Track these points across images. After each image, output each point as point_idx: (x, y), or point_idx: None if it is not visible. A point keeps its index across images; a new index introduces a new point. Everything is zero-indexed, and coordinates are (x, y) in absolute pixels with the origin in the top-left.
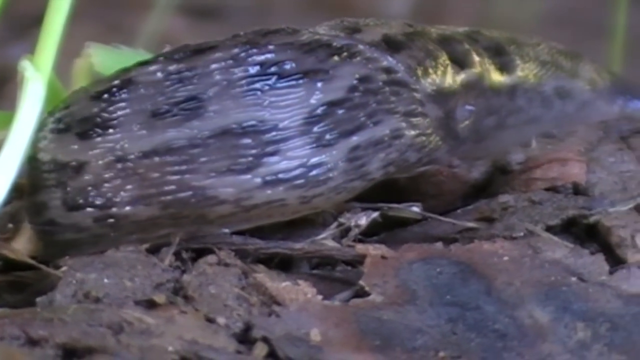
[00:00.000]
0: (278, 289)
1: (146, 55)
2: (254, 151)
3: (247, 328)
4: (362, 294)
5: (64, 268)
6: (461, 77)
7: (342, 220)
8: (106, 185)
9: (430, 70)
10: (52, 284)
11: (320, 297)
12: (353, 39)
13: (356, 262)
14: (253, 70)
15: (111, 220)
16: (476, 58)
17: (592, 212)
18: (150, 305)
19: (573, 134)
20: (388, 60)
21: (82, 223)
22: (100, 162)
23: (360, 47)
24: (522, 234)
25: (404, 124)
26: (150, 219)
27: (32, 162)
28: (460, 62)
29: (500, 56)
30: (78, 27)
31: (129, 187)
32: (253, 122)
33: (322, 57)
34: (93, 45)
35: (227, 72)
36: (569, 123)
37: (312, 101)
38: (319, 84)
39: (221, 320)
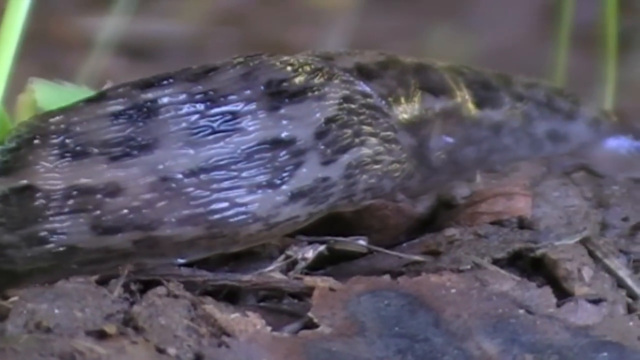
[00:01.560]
0: (227, 320)
1: (88, 92)
2: (285, 165)
3: (198, 359)
4: (310, 325)
5: (14, 298)
6: (435, 105)
7: (289, 252)
8: (147, 206)
9: (402, 99)
10: (2, 315)
11: (269, 328)
12: (328, 64)
13: (303, 294)
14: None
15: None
16: (454, 88)
17: (538, 246)
18: (101, 335)
19: (517, 169)
20: (362, 86)
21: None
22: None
23: (336, 70)
24: (468, 266)
25: (382, 148)
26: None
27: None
28: (434, 91)
29: (486, 90)
30: (19, 66)
31: (176, 206)
32: (281, 137)
33: (309, 77)
34: (36, 81)
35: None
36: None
37: (317, 115)
38: (316, 102)
39: (172, 350)
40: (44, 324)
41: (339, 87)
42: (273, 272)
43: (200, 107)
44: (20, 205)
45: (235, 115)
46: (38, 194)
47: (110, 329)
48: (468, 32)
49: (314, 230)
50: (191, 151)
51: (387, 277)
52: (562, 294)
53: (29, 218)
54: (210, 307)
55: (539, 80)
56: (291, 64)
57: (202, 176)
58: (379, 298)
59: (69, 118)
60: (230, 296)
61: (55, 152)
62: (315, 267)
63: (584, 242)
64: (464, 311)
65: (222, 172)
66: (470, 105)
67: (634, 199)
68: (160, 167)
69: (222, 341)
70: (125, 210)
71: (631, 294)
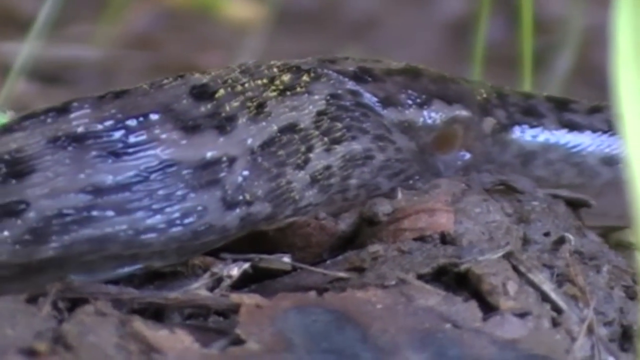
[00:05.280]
0: (156, 338)
1: (3, 117)
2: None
3: None
4: (238, 342)
5: None
6: (444, 112)
7: (214, 270)
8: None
9: (400, 102)
10: None
11: (197, 345)
12: (322, 66)
13: (229, 311)
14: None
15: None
16: (477, 101)
17: (462, 261)
18: (32, 353)
19: (437, 185)
20: (352, 85)
21: None
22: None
23: (326, 71)
24: (393, 282)
25: (373, 146)
26: None
27: None
28: (448, 99)
29: (526, 116)
30: None
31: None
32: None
33: (295, 76)
34: None
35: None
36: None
37: (311, 107)
38: (306, 96)
39: None
40: None
41: (326, 85)
42: (199, 290)
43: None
44: None
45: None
46: None
47: (41, 346)
48: (378, 54)
49: (237, 248)
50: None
51: (313, 293)
52: (488, 308)
53: None
54: (139, 324)
55: (604, 103)
56: (278, 66)
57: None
58: (305, 314)
59: None
60: (156, 315)
61: None
62: (239, 286)
63: (507, 256)
64: (390, 326)
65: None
66: (497, 125)
67: (554, 214)
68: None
69: (152, 358)
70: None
71: (556, 308)
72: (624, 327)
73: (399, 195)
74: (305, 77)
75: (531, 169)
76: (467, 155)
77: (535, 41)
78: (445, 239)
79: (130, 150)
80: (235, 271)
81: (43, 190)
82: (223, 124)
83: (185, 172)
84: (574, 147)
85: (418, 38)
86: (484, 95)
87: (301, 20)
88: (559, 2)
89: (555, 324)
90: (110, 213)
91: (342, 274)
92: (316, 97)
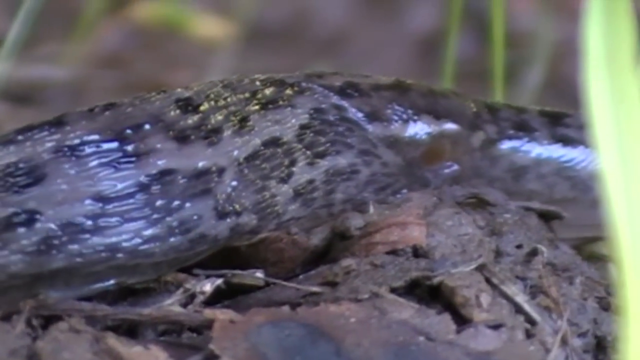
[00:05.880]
0: (130, 354)
1: None
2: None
3: None
4: (212, 357)
5: None
6: (431, 127)
7: (187, 286)
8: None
9: (386, 117)
10: None
11: None
12: (307, 80)
13: (203, 327)
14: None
15: None
16: (466, 116)
17: (435, 274)
18: None
19: (409, 199)
20: (337, 99)
21: None
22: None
23: (311, 85)
24: (367, 296)
25: (359, 160)
26: None
27: None
28: (436, 113)
29: (518, 130)
30: None
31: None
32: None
33: (279, 90)
34: None
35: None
36: None
37: (294, 120)
38: (289, 109)
39: None
40: None
41: (310, 99)
42: (172, 306)
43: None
44: None
45: None
46: None
47: None
48: (348, 69)
49: (209, 264)
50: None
51: (286, 308)
52: (461, 321)
53: None
54: (113, 341)
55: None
56: (262, 80)
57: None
58: (279, 329)
59: None
60: (130, 331)
61: None
62: (212, 302)
63: (480, 269)
64: (364, 340)
65: None
66: (487, 140)
67: (526, 226)
68: None
69: None
70: None
71: (529, 320)
72: (598, 338)
73: (371, 209)
74: (288, 91)
75: (523, 182)
76: (456, 167)
77: (505, 55)
78: (417, 252)
79: (130, 159)
80: (208, 287)
81: (54, 199)
82: (210, 136)
83: (181, 181)
84: (567, 161)
85: (388, 53)
86: (474, 110)
87: (271, 37)
88: (528, 17)
89: (529, 335)
90: (117, 221)
91: (315, 289)
92: (299, 110)
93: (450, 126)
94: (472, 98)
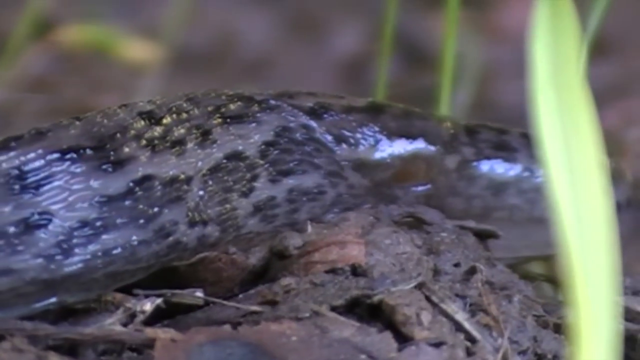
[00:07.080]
0: None
1: None
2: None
3: None
4: None
5: None
6: (405, 148)
7: (128, 305)
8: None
9: (353, 140)
10: None
11: None
12: (277, 99)
13: (144, 346)
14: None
15: None
16: (441, 137)
17: (374, 292)
18: None
19: (347, 218)
20: (305, 119)
21: None
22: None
23: (280, 103)
24: (307, 314)
25: (325, 182)
26: None
27: None
28: (410, 135)
29: (497, 151)
30: None
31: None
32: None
33: (246, 105)
34: None
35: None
36: None
37: (257, 137)
38: (253, 125)
39: None
40: None
41: (277, 117)
42: (113, 325)
43: None
44: None
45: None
46: None
47: None
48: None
49: (149, 284)
50: None
51: (227, 327)
52: (402, 339)
53: None
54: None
55: None
56: (229, 96)
57: None
58: (221, 347)
59: None
60: (71, 351)
61: None
62: (152, 321)
63: (419, 287)
64: (306, 358)
65: None
66: (462, 161)
67: (464, 244)
68: None
69: None
70: None
71: (470, 338)
72: (538, 356)
73: (309, 228)
74: (255, 107)
75: (504, 197)
76: (428, 185)
77: (432, 78)
78: (356, 271)
79: (118, 165)
80: (148, 306)
81: (62, 201)
82: (175, 146)
83: (159, 187)
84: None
85: (313, 76)
86: (451, 132)
87: (197, 60)
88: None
89: (469, 353)
90: (119, 222)
91: (255, 308)
92: (265, 127)
93: (424, 147)
94: (451, 120)
